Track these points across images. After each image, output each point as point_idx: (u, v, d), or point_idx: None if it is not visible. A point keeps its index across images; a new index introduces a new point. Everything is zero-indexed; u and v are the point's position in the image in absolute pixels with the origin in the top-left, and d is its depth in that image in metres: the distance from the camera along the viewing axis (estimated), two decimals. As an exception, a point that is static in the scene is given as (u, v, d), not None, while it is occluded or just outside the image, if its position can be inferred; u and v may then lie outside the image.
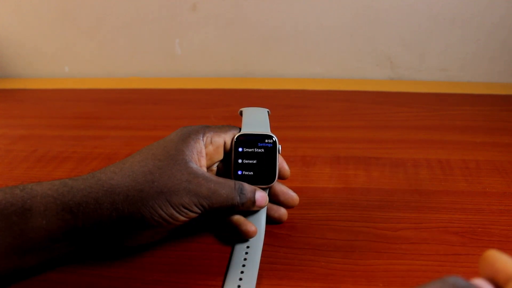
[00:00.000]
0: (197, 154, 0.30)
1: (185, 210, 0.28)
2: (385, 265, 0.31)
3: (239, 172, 0.32)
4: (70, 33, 0.76)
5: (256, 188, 0.31)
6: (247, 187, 0.30)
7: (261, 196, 0.31)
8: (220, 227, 0.35)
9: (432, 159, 0.46)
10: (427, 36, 0.70)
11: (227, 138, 0.32)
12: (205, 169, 0.31)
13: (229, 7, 0.71)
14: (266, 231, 0.33)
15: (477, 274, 0.30)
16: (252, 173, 0.32)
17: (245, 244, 0.32)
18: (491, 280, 0.19)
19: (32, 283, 0.30)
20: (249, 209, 0.31)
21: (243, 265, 0.30)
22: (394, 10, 0.69)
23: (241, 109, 0.35)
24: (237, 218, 0.32)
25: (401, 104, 0.63)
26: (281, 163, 0.34)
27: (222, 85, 0.73)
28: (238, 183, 0.30)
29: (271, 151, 0.32)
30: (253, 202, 0.30)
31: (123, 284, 0.30)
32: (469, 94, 0.67)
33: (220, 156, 0.33)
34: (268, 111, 0.35)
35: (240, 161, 0.32)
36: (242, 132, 0.32)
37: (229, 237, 0.33)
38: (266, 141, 0.32)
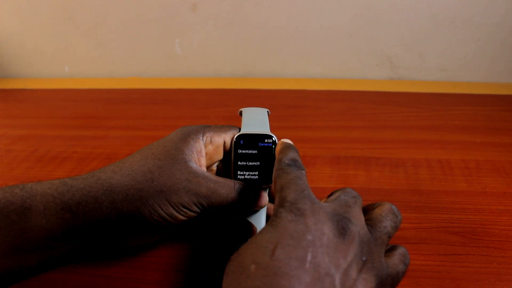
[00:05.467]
0: (197, 154, 0.30)
1: (185, 209, 0.28)
2: (385, 265, 0.31)
3: (239, 172, 0.32)
4: (70, 33, 0.76)
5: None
6: (247, 186, 0.30)
7: (261, 196, 0.31)
8: (220, 227, 0.35)
9: (432, 159, 0.46)
10: (427, 36, 0.70)
11: (227, 138, 0.32)
12: (204, 169, 0.31)
13: (229, 7, 0.71)
14: (266, 231, 0.33)
15: (477, 274, 0.30)
16: (252, 172, 0.32)
17: (245, 244, 0.32)
18: None
19: (32, 283, 0.30)
20: (249, 209, 0.31)
21: (243, 265, 0.30)
22: (394, 10, 0.69)
23: (241, 109, 0.35)
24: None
25: (401, 104, 0.63)
26: (281, 163, 0.33)
27: (222, 85, 0.73)
28: (238, 182, 0.30)
29: (271, 151, 0.32)
30: (253, 202, 0.30)
31: (123, 284, 0.30)
32: (469, 94, 0.67)
33: (220, 156, 0.33)
34: (267, 111, 0.35)
35: (240, 160, 0.32)
36: (242, 132, 0.32)
37: (229, 237, 0.33)
38: (266, 141, 0.32)
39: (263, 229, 0.22)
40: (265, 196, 0.31)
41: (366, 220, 0.25)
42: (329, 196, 0.26)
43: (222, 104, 0.65)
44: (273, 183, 0.26)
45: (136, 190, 0.27)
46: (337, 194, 0.26)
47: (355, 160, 0.46)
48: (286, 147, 0.28)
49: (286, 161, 0.26)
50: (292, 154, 0.27)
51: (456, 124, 0.55)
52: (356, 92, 0.68)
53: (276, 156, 0.27)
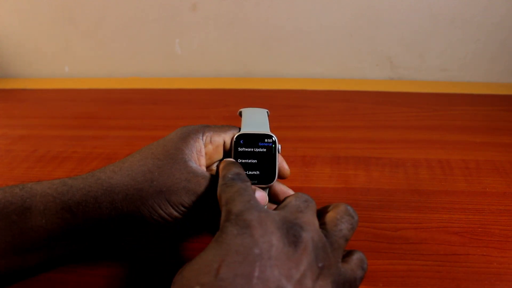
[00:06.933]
0: (197, 153, 0.30)
1: (184, 209, 0.28)
2: (385, 265, 0.31)
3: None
4: (70, 33, 0.76)
5: (256, 187, 0.31)
6: (247, 186, 0.30)
7: (260, 195, 0.31)
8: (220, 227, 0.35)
9: (432, 159, 0.46)
10: (427, 36, 0.70)
11: (226, 137, 0.32)
12: (204, 169, 0.31)
13: (229, 7, 0.71)
14: (266, 231, 0.33)
15: (477, 274, 0.30)
16: (251, 172, 0.32)
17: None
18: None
19: (32, 283, 0.30)
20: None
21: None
22: (394, 10, 0.69)
23: (241, 109, 0.35)
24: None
25: (401, 104, 0.63)
26: (281, 163, 0.34)
27: (222, 85, 0.73)
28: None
29: (271, 150, 0.32)
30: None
31: (123, 284, 0.30)
32: (469, 94, 0.67)
33: (220, 155, 0.33)
34: (267, 112, 0.35)
35: (239, 160, 0.32)
36: (242, 131, 0.32)
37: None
38: (266, 140, 0.32)
39: (208, 246, 0.21)
40: (264, 196, 0.31)
41: (320, 224, 0.24)
42: (280, 203, 0.26)
43: (222, 104, 0.65)
44: (218, 200, 0.25)
45: (136, 190, 0.27)
46: (287, 200, 0.25)
47: (355, 160, 0.46)
48: (229, 163, 0.28)
49: (230, 175, 0.26)
50: (235, 169, 0.27)
51: (456, 124, 0.55)
52: (356, 92, 0.68)
53: (220, 174, 0.27)
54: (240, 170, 0.27)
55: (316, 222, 0.24)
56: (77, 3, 0.73)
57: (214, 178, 0.29)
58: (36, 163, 0.47)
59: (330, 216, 0.25)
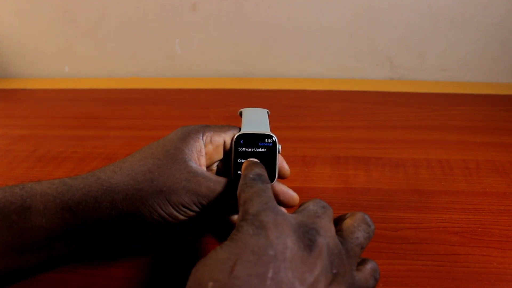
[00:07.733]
0: (197, 153, 0.30)
1: (184, 209, 0.28)
2: (385, 265, 0.31)
3: (239, 172, 0.32)
4: (70, 33, 0.76)
5: None
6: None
7: None
8: (220, 227, 0.35)
9: (432, 159, 0.46)
10: (427, 36, 0.70)
11: (227, 137, 0.32)
12: (204, 168, 0.31)
13: (229, 7, 0.72)
14: (266, 231, 0.33)
15: (477, 274, 0.30)
16: None
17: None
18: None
19: (32, 283, 0.30)
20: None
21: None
22: (394, 10, 0.69)
23: (241, 109, 0.35)
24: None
25: (401, 104, 0.63)
26: (281, 163, 0.34)
27: (222, 85, 0.73)
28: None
29: (271, 150, 0.32)
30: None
31: (123, 284, 0.30)
32: (469, 94, 0.67)
33: (220, 155, 0.33)
34: (267, 112, 0.35)
35: (240, 160, 0.32)
36: (242, 131, 0.32)
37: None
38: (266, 140, 0.32)
39: (223, 243, 0.21)
40: None
41: (337, 231, 0.24)
42: (299, 207, 0.26)
43: (222, 104, 0.65)
44: (238, 199, 0.25)
45: (136, 190, 0.27)
46: (305, 204, 0.25)
47: (355, 160, 0.46)
48: (252, 163, 0.28)
49: (251, 175, 0.26)
50: (257, 170, 0.27)
51: (456, 124, 0.55)
52: (356, 92, 0.68)
53: (242, 173, 0.27)
54: (262, 171, 0.27)
55: (332, 228, 0.24)
56: (77, 3, 0.73)
57: (214, 178, 0.29)
58: (36, 163, 0.47)
59: (347, 223, 0.25)
